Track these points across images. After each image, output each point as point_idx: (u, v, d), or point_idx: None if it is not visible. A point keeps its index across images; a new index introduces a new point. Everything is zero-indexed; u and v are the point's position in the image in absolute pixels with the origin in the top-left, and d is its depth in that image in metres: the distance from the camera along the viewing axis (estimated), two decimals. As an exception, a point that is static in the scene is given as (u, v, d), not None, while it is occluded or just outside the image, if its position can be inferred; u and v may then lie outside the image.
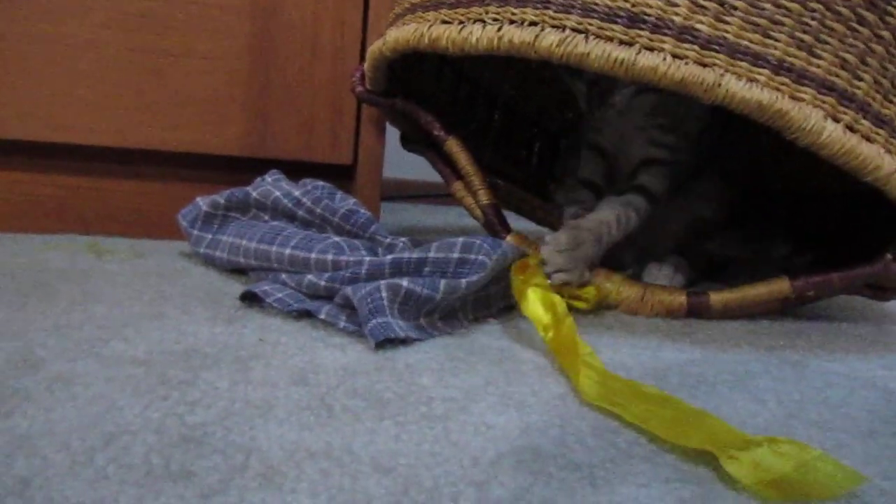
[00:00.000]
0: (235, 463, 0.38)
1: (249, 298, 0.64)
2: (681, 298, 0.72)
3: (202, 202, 0.76)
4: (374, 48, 0.77)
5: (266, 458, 0.38)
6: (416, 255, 0.63)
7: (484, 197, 0.82)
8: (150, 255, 0.80)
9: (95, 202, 0.89)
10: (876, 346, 0.70)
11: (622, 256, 0.85)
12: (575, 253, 0.69)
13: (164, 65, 0.86)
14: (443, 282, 0.60)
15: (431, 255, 0.63)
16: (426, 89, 0.92)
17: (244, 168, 0.87)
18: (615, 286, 0.74)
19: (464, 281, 0.60)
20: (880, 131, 0.64)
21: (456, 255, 0.62)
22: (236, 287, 0.68)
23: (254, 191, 0.75)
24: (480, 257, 0.62)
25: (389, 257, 0.63)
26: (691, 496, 0.38)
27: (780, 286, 0.72)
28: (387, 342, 0.56)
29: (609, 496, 0.37)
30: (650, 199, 0.79)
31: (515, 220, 0.89)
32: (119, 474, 0.36)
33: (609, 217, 0.75)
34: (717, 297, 0.72)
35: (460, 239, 0.65)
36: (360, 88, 0.84)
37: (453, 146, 0.83)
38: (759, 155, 0.94)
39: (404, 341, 0.57)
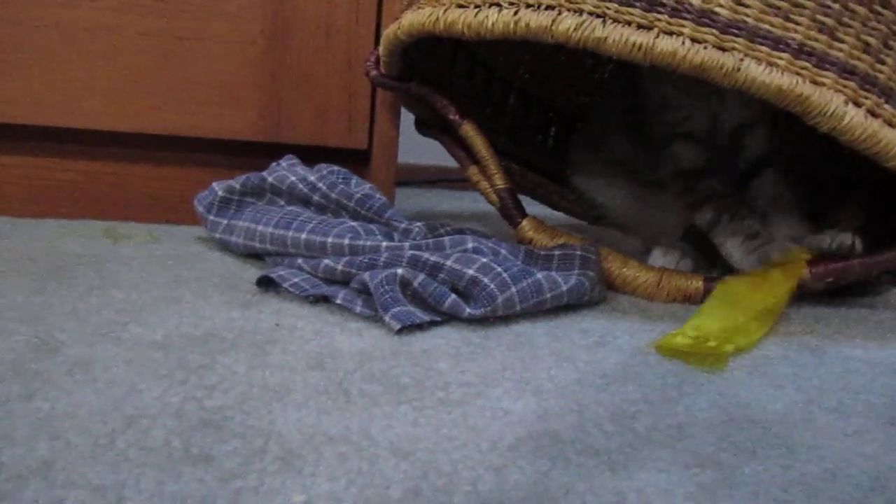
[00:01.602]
0: (254, 447, 0.38)
1: (266, 283, 0.65)
2: (697, 283, 0.72)
3: (218, 187, 0.76)
4: (388, 32, 0.76)
5: (285, 442, 0.39)
6: (433, 258, 0.61)
7: (499, 181, 0.82)
8: (167, 240, 0.80)
9: (112, 187, 0.89)
10: (895, 332, 0.69)
11: (634, 240, 0.85)
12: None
13: (178, 49, 0.85)
14: (450, 298, 0.59)
15: (448, 263, 0.61)
16: (441, 74, 0.91)
17: (259, 153, 0.87)
18: (632, 271, 0.73)
19: (467, 310, 0.58)
20: (904, 116, 0.63)
21: (471, 273, 0.60)
22: (252, 272, 0.68)
23: (269, 176, 0.75)
24: (492, 287, 0.59)
25: (409, 253, 0.62)
26: (711, 482, 0.38)
27: (798, 272, 0.71)
28: (403, 327, 0.56)
29: (628, 481, 0.37)
30: None
31: (531, 205, 0.88)
32: (140, 457, 0.36)
33: None
34: (735, 283, 0.71)
35: (483, 249, 0.64)
36: (374, 72, 0.83)
37: (469, 130, 0.82)
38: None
39: (420, 326, 0.57)
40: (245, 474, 0.35)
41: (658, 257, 0.81)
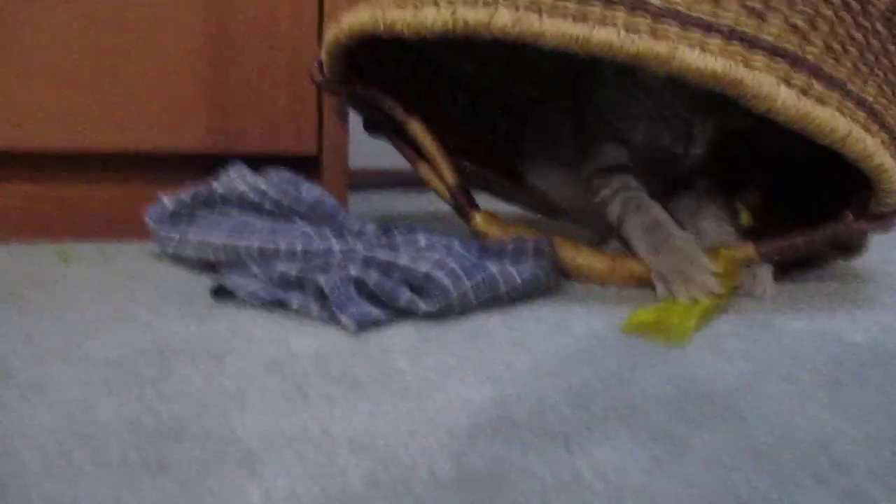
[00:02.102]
0: (213, 452, 0.38)
1: (220, 293, 0.64)
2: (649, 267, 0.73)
3: (167, 201, 0.76)
4: (329, 36, 0.76)
5: (244, 446, 0.39)
6: (387, 257, 0.62)
7: (449, 177, 0.82)
8: (119, 258, 0.79)
9: (60, 209, 0.88)
10: (842, 301, 0.71)
11: (586, 230, 0.86)
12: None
13: (119, 64, 0.84)
14: (406, 296, 0.59)
15: (402, 262, 0.61)
16: (387, 74, 0.92)
17: (208, 165, 0.87)
18: (585, 259, 0.74)
19: (423, 307, 0.59)
20: (833, 94, 0.65)
21: (424, 270, 0.60)
22: (207, 283, 0.68)
23: (218, 186, 0.75)
24: (446, 282, 0.60)
25: (362, 254, 0.63)
26: (664, 454, 0.39)
27: (745, 251, 0.73)
28: (360, 326, 0.56)
29: (584, 459, 0.38)
30: None
31: (487, 202, 0.89)
32: (96, 472, 0.36)
33: None
34: (685, 265, 0.73)
35: (436, 245, 0.65)
36: (319, 77, 0.83)
37: (416, 128, 0.83)
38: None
39: (377, 325, 0.58)
40: (204, 479, 0.35)
41: (615, 244, 0.82)
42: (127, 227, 0.87)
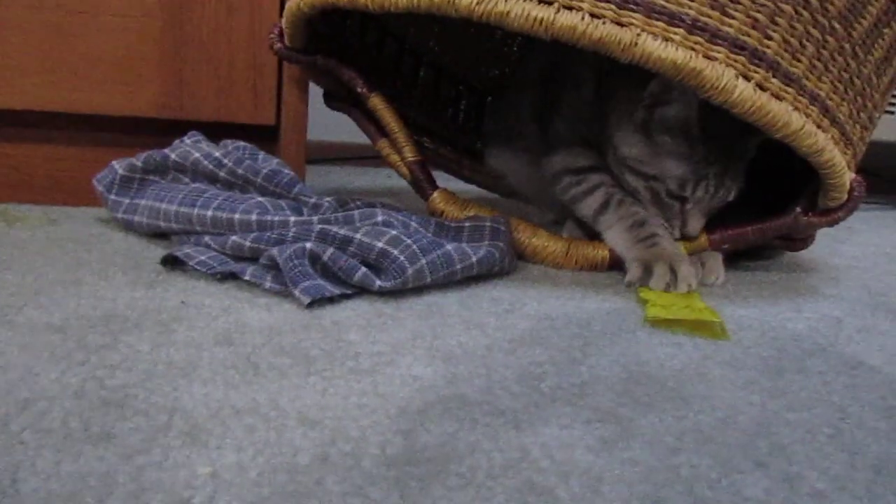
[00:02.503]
0: (158, 423, 0.37)
1: (171, 262, 0.63)
2: (604, 252, 0.74)
3: (118, 166, 0.74)
4: (291, 4, 0.75)
5: (190, 417, 0.38)
6: (343, 231, 0.61)
7: (409, 153, 0.82)
8: (65, 222, 0.77)
9: (5, 169, 0.85)
10: (787, 291, 0.73)
11: (545, 213, 0.86)
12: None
13: (72, 24, 0.81)
14: (361, 271, 0.59)
15: (358, 236, 0.61)
16: (350, 46, 0.90)
17: (162, 130, 0.84)
18: (541, 241, 0.75)
19: (378, 283, 0.58)
20: (789, 89, 0.66)
21: (380, 245, 0.60)
22: (157, 252, 0.67)
23: (172, 153, 0.73)
24: (402, 259, 0.59)
25: (318, 227, 0.62)
26: (610, 434, 0.40)
27: (697, 240, 0.75)
28: (313, 301, 0.56)
29: (532, 437, 0.39)
30: None
31: (445, 180, 0.89)
32: (35, 439, 0.35)
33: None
34: (638, 251, 0.74)
35: (393, 221, 0.64)
36: (278, 45, 0.81)
37: (377, 103, 0.82)
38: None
39: (331, 299, 0.57)
40: (148, 450, 0.35)
41: (573, 228, 0.83)
42: (75, 192, 0.85)
